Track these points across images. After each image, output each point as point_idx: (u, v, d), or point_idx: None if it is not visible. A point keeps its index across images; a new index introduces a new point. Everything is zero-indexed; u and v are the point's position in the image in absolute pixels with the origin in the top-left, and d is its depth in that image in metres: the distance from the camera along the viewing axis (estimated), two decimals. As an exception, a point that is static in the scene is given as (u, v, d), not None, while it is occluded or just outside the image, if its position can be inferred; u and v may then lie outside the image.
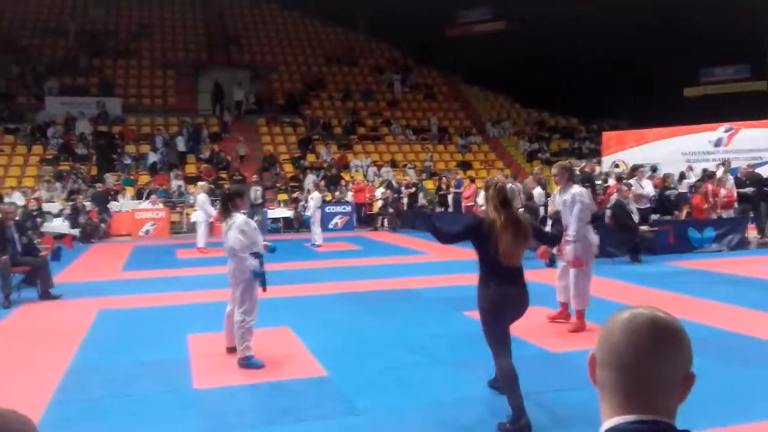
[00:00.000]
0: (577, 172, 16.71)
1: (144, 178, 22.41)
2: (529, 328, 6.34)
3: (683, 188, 15.10)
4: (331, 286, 9.83)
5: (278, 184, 22.69)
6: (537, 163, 25.52)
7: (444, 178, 22.37)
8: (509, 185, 16.66)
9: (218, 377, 5.45)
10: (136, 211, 19.38)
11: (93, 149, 23.47)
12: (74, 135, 23.80)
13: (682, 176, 15.99)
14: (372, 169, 24.44)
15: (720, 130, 17.19)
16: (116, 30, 31.05)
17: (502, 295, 4.28)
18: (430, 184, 23.66)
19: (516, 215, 4.38)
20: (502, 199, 4.34)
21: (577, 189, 6.93)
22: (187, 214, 19.91)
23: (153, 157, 23.21)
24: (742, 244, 13.41)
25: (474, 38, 32.12)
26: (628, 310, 1.30)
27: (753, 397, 4.79)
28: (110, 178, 21.51)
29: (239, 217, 5.69)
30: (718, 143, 17.17)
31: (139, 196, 20.72)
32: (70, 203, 18.38)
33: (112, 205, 19.55)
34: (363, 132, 28.01)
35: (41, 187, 20.09)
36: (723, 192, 13.95)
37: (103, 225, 18.48)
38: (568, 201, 6.83)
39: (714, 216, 13.92)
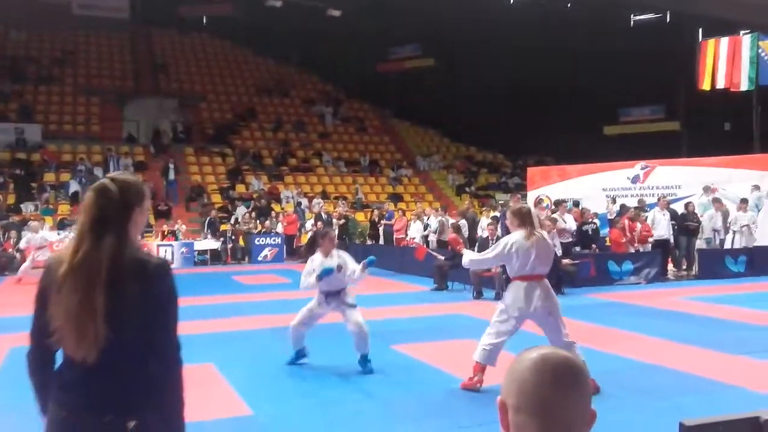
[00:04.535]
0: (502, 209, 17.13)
1: (64, 208, 21.56)
2: (453, 361, 6.39)
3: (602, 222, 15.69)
4: (259, 321, 9.66)
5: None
6: (466, 196, 26.12)
7: (376, 210, 22.49)
8: (439, 218, 17.03)
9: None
10: (56, 242, 18.57)
11: (9, 178, 22.47)
12: (-11, 162, 22.77)
13: (602, 211, 16.63)
14: (303, 200, 24.34)
15: (637, 167, 18.01)
16: (38, 55, 30.08)
17: None
18: (361, 216, 23.73)
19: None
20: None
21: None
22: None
23: (74, 186, 22.39)
24: (659, 277, 14.02)
25: (404, 74, 32.79)
26: (533, 352, 1.32)
27: (667, 427, 4.95)
28: (28, 208, 20.58)
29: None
30: (635, 180, 17.96)
31: (59, 226, 19.89)
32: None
33: (27, 236, 18.66)
34: (294, 163, 27.94)
35: (-49, 216, 19.04)
36: (639, 226, 14.56)
37: (18, 256, 17.61)
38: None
39: (632, 250, 14.51)
